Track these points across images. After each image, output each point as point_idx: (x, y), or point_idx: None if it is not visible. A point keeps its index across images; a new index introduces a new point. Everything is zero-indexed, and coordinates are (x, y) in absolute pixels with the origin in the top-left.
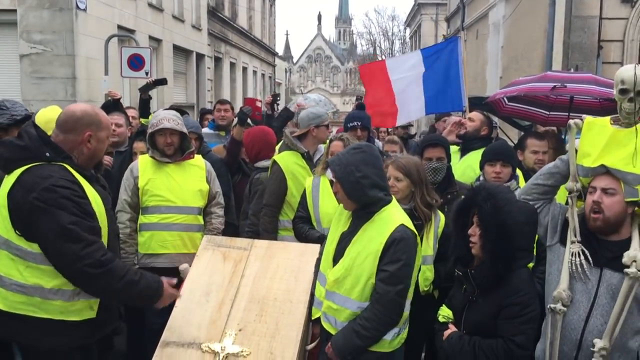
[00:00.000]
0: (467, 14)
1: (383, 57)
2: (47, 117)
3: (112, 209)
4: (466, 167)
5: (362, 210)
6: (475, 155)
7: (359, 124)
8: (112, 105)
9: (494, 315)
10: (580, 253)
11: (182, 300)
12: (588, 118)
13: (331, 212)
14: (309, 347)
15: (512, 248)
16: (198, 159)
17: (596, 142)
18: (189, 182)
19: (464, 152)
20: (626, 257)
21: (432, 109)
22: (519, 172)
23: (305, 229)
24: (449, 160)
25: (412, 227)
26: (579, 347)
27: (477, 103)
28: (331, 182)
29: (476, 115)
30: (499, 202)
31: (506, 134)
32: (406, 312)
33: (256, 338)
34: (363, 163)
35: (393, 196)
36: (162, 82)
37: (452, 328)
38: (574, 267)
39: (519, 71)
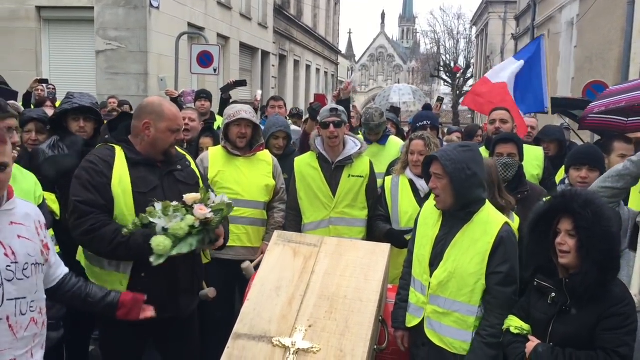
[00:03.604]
0: (538, 12)
1: (447, 56)
2: None
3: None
4: (526, 165)
5: (461, 210)
6: (526, 151)
7: (429, 123)
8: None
9: (592, 326)
10: None
11: (254, 293)
12: None
13: (410, 211)
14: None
15: (615, 256)
16: (265, 154)
17: None
18: (256, 177)
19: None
20: None
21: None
22: None
23: (379, 224)
24: (522, 159)
25: (513, 225)
26: None
27: (552, 104)
28: (410, 181)
29: (505, 114)
30: (600, 209)
31: (580, 137)
32: None
33: (326, 335)
34: (473, 161)
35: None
36: (242, 83)
37: (534, 340)
38: None
39: (592, 72)
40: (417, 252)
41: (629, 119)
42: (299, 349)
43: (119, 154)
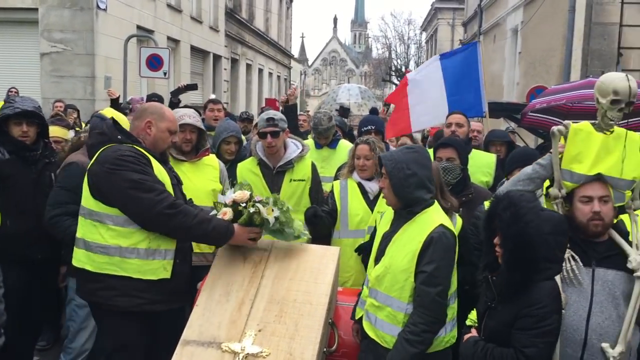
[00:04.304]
0: (484, 19)
1: (398, 60)
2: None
3: (182, 194)
4: (475, 170)
5: (404, 209)
6: (477, 156)
7: (373, 127)
8: (112, 104)
9: (509, 324)
10: (570, 259)
11: (203, 298)
12: (573, 124)
13: (360, 213)
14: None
15: (532, 259)
16: (212, 158)
17: (586, 148)
18: (203, 182)
19: None
20: (634, 263)
21: None
22: None
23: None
24: (464, 162)
25: (452, 228)
26: (584, 347)
27: (497, 109)
28: (359, 184)
29: (462, 118)
30: (520, 210)
31: (524, 141)
32: (453, 309)
33: (276, 339)
34: (414, 162)
35: (436, 200)
36: (193, 87)
37: (472, 332)
38: (565, 273)
39: (536, 77)
40: (373, 250)
41: (565, 121)
42: (248, 353)
43: (141, 150)
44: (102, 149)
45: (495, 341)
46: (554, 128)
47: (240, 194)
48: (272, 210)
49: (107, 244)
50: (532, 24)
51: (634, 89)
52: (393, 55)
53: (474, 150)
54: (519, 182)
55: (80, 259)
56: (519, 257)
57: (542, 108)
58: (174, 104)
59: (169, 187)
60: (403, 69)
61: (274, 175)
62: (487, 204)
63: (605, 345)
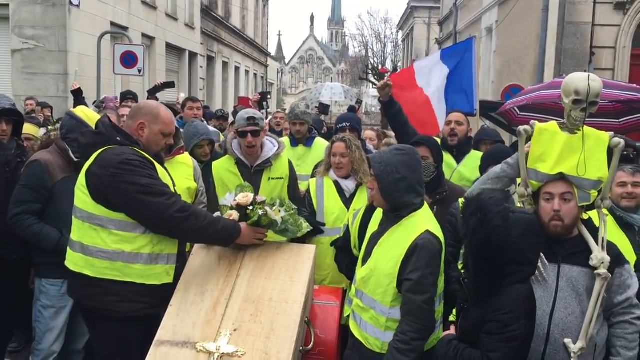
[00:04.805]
0: (460, 18)
1: (375, 59)
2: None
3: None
4: (475, 169)
5: (392, 212)
6: (477, 156)
7: (348, 125)
8: (75, 97)
9: (479, 326)
10: None
11: (177, 299)
12: (538, 124)
13: (336, 212)
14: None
15: (498, 265)
16: (185, 157)
17: (550, 148)
18: (178, 180)
19: (460, 156)
20: (595, 260)
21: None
22: None
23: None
24: (438, 160)
25: (439, 233)
26: (546, 342)
27: (487, 107)
28: (335, 182)
29: (461, 117)
30: (486, 216)
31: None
32: (437, 312)
33: (251, 338)
34: (404, 165)
35: (425, 202)
36: (170, 85)
37: (451, 330)
38: None
39: (511, 76)
40: (362, 248)
41: (532, 120)
42: (223, 353)
43: (141, 152)
44: (100, 150)
45: (467, 341)
46: (520, 128)
47: (244, 197)
48: (279, 211)
49: (110, 249)
50: (507, 23)
51: (594, 89)
52: (370, 54)
53: (472, 151)
54: (488, 180)
55: (77, 263)
56: (485, 263)
57: (535, 108)
58: None
59: (171, 190)
60: (379, 67)
61: (252, 174)
62: (461, 201)
63: (567, 340)
